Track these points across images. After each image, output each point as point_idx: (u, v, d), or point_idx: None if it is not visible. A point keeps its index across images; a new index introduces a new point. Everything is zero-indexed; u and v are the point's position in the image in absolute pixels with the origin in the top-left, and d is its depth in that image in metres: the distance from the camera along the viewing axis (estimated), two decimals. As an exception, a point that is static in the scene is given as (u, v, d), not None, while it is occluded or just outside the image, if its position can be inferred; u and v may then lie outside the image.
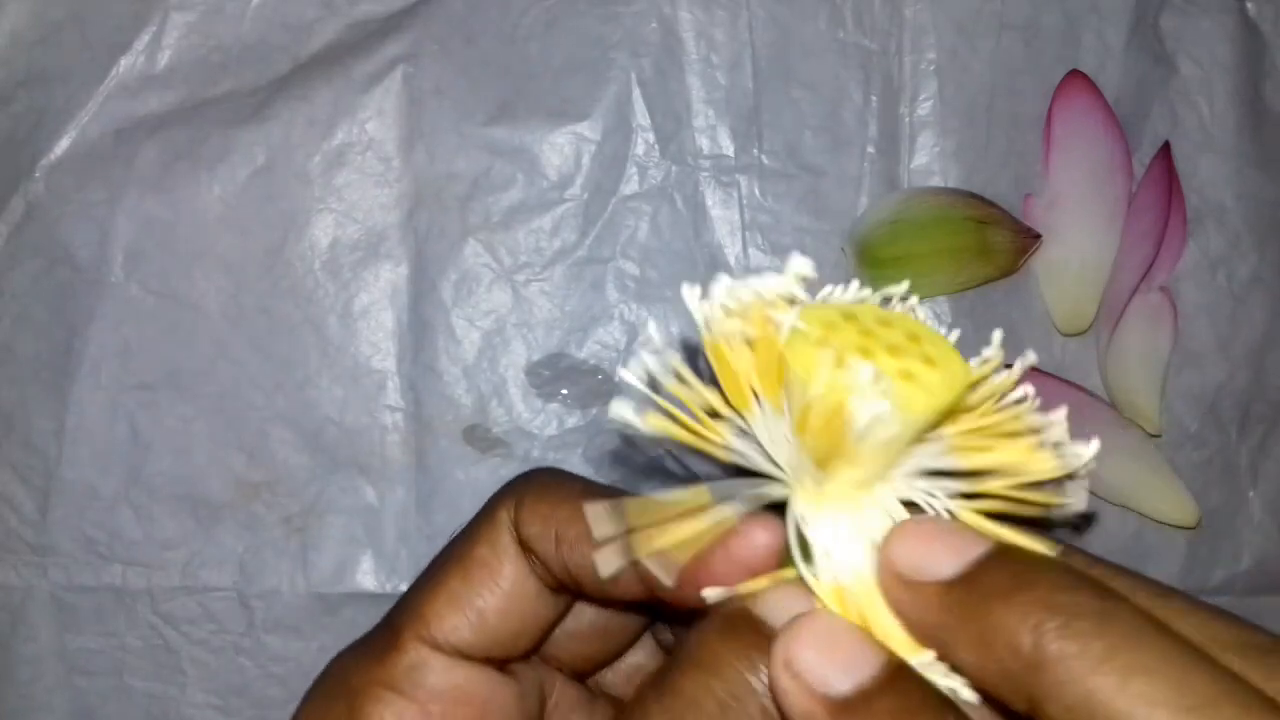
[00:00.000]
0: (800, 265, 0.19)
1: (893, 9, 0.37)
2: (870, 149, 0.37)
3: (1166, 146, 0.37)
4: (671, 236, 0.37)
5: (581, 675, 0.27)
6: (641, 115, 0.37)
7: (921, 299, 0.37)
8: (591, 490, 0.24)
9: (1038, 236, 0.36)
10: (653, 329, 0.19)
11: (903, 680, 0.19)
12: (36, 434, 0.36)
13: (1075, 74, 0.37)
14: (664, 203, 0.37)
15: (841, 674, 0.18)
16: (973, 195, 0.37)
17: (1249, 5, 0.37)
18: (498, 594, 0.24)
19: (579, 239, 0.37)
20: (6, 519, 0.36)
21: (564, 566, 0.23)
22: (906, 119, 0.37)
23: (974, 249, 0.36)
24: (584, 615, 0.26)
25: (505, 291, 0.37)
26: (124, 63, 0.36)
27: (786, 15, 0.37)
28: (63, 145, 0.36)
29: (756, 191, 0.37)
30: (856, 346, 0.18)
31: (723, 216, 0.37)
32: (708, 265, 0.37)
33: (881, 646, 0.19)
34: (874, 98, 0.37)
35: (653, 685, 0.20)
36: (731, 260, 0.37)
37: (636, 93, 0.37)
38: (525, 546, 0.24)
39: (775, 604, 0.19)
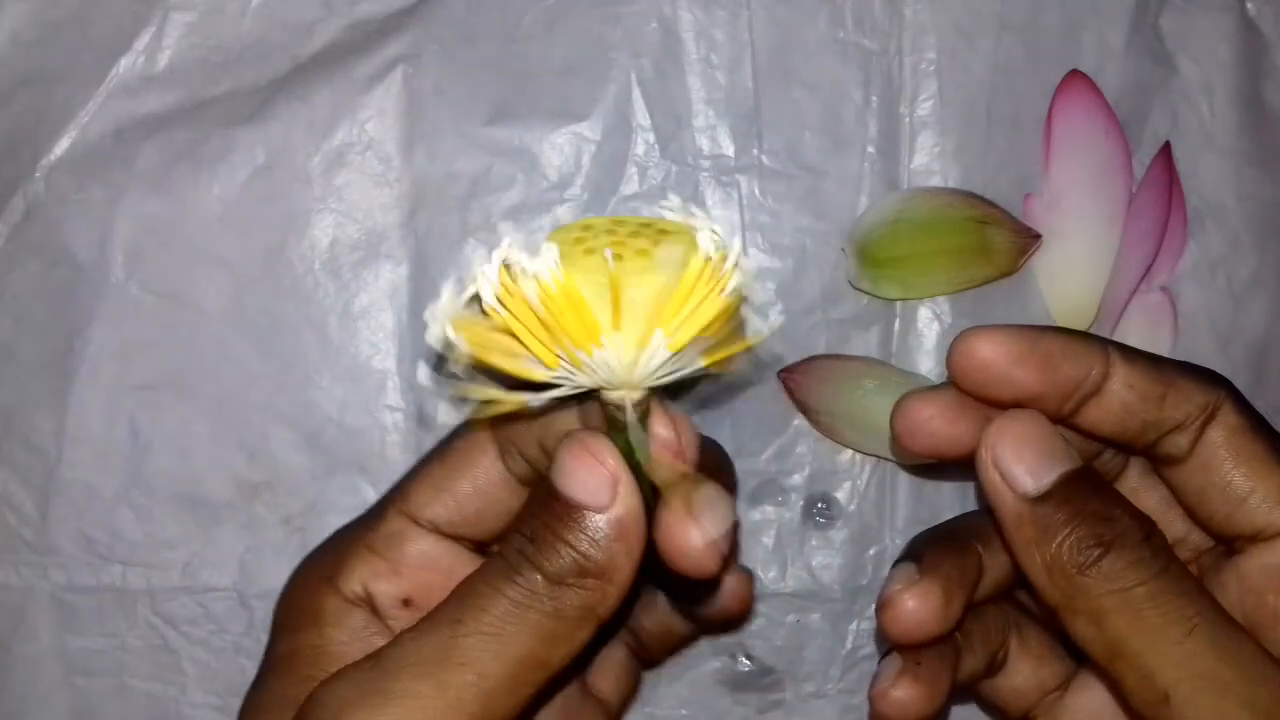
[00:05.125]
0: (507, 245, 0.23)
1: (893, 9, 0.37)
2: (870, 149, 0.37)
3: (1166, 146, 0.37)
4: (671, 236, 0.37)
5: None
6: (641, 115, 0.37)
7: (922, 299, 0.37)
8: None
9: (1038, 236, 0.36)
10: (446, 293, 0.23)
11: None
12: (36, 434, 0.36)
13: (1075, 74, 0.37)
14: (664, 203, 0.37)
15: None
16: (973, 195, 0.37)
17: (1249, 5, 0.37)
18: (471, 480, 0.28)
19: (579, 239, 0.37)
20: (6, 519, 0.36)
21: (535, 456, 0.27)
22: (906, 119, 0.37)
23: (974, 249, 0.36)
24: None
25: (505, 291, 0.37)
26: (124, 63, 0.36)
27: (786, 15, 0.37)
28: (63, 145, 0.36)
29: (756, 191, 0.37)
30: (608, 242, 0.23)
31: (723, 216, 0.37)
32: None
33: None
34: (874, 98, 0.37)
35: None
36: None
37: (636, 93, 0.37)
38: (499, 438, 0.27)
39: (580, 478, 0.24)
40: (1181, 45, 0.37)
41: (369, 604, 0.27)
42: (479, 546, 0.28)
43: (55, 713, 0.36)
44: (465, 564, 0.27)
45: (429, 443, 0.36)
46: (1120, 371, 0.26)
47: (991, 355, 0.26)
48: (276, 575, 0.36)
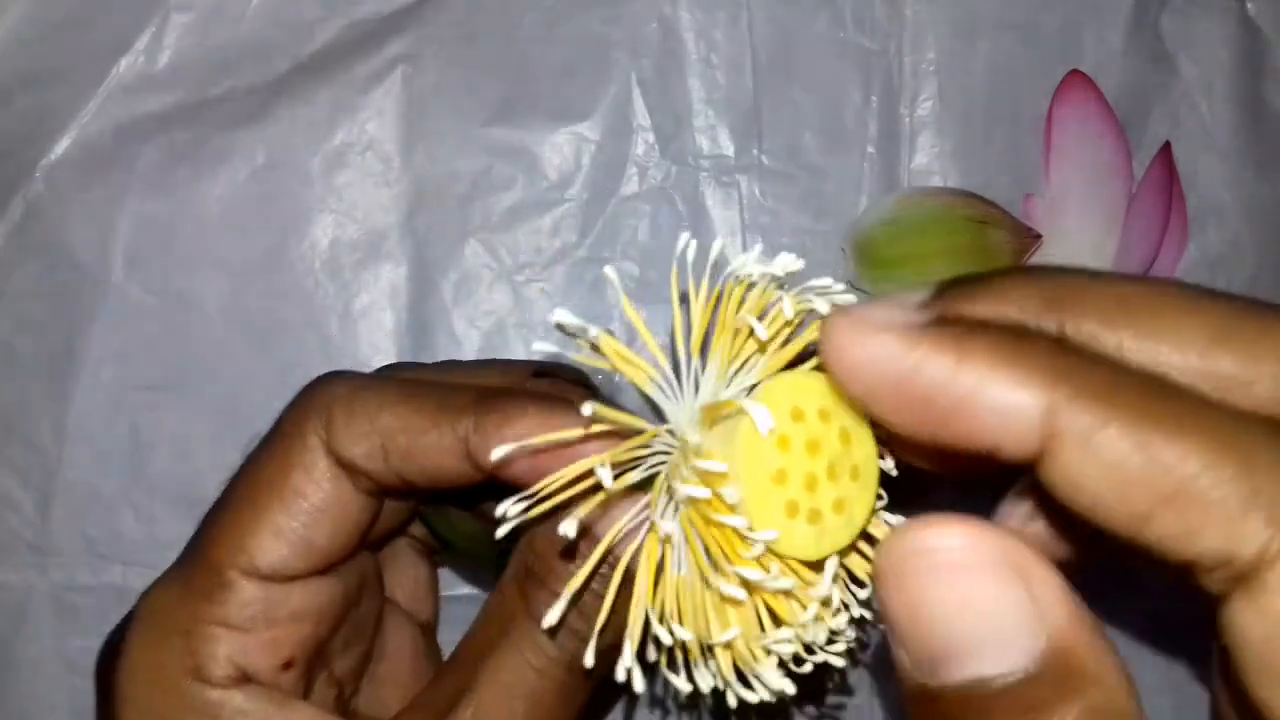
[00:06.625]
0: (788, 262, 0.21)
1: (893, 9, 0.37)
2: (870, 149, 0.37)
3: (1167, 146, 0.37)
4: (671, 237, 0.37)
5: (373, 547, 0.28)
6: (641, 115, 0.37)
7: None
8: (400, 390, 0.24)
9: (1038, 236, 0.36)
10: (608, 271, 0.22)
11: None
12: (36, 434, 0.36)
13: (1075, 74, 0.37)
14: (664, 203, 0.37)
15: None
16: (973, 195, 0.37)
17: (1249, 5, 0.37)
18: (322, 517, 0.24)
19: (579, 239, 0.37)
20: (6, 519, 0.36)
21: (394, 474, 0.24)
22: (906, 119, 0.37)
23: (974, 249, 0.36)
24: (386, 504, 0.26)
25: (505, 291, 0.37)
26: (124, 63, 0.36)
27: (786, 15, 0.37)
28: (63, 145, 0.36)
29: (756, 192, 0.37)
30: (804, 478, 0.20)
31: (723, 217, 0.37)
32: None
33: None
34: (874, 98, 0.37)
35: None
36: (731, 260, 0.37)
37: (636, 93, 0.37)
38: (347, 465, 0.24)
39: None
40: (1181, 45, 0.37)
41: (247, 680, 0.24)
42: (323, 571, 0.25)
43: (55, 713, 0.36)
44: (327, 596, 0.25)
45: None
46: (1070, 444, 0.16)
47: (856, 365, 0.18)
48: (277, 575, 0.36)
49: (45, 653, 0.36)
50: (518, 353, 0.37)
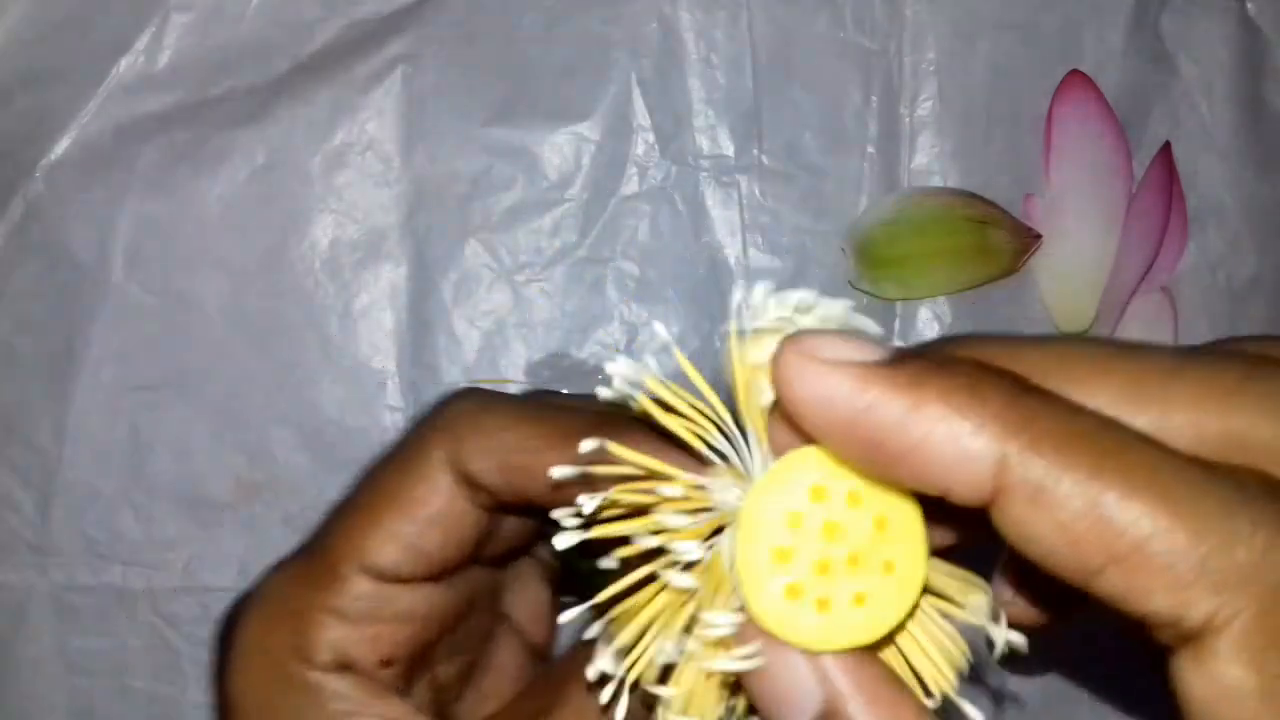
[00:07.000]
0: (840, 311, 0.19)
1: (893, 9, 0.37)
2: (870, 149, 0.37)
3: (1167, 146, 0.37)
4: (671, 237, 0.37)
5: (496, 563, 0.28)
6: (641, 115, 0.37)
7: (922, 299, 0.37)
8: (524, 410, 0.25)
9: (1038, 236, 0.36)
10: (659, 329, 0.20)
11: None
12: (36, 434, 0.36)
13: (1075, 74, 0.37)
14: (664, 203, 0.37)
15: None
16: (973, 195, 0.37)
17: (1249, 5, 0.37)
18: (436, 528, 0.25)
19: (579, 239, 0.37)
20: (6, 519, 0.36)
21: (512, 491, 0.24)
22: (906, 119, 0.37)
23: (974, 249, 0.36)
24: (508, 520, 0.27)
25: (505, 291, 0.37)
26: (124, 63, 0.36)
27: (786, 15, 0.37)
28: (63, 145, 0.36)
29: (756, 191, 0.37)
30: (816, 563, 0.18)
31: (723, 217, 0.37)
32: (708, 266, 0.37)
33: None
34: (874, 98, 0.37)
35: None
36: (731, 261, 0.37)
37: (636, 93, 0.37)
38: (468, 479, 0.25)
39: None
40: (1181, 45, 0.37)
41: (347, 668, 0.25)
42: (433, 578, 0.26)
43: (55, 713, 0.36)
44: (434, 603, 0.26)
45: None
46: (1020, 498, 0.16)
47: (806, 400, 0.17)
48: (277, 575, 0.36)
49: (45, 653, 0.36)
50: (518, 352, 0.37)
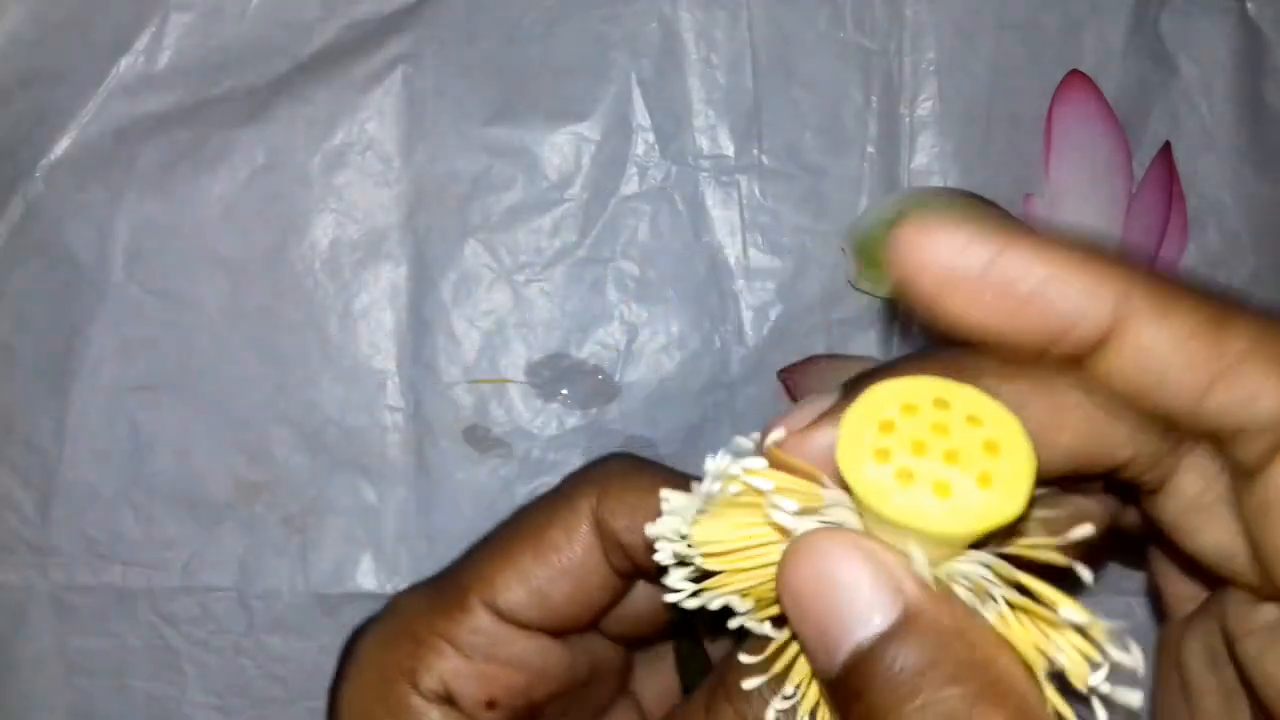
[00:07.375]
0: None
1: (893, 9, 0.37)
2: (870, 149, 0.37)
3: (1167, 146, 0.37)
4: (671, 237, 0.37)
5: (631, 644, 0.29)
6: (641, 115, 0.37)
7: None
8: (674, 479, 0.25)
9: (1038, 236, 0.36)
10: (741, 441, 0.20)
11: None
12: (36, 434, 0.36)
13: (1075, 74, 0.37)
14: (664, 203, 0.37)
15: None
16: (973, 195, 0.37)
17: (1249, 5, 0.37)
18: (567, 577, 0.25)
19: (579, 239, 0.37)
20: (6, 519, 0.36)
21: (648, 555, 0.24)
22: (906, 119, 0.37)
23: (974, 249, 0.36)
24: (641, 593, 0.27)
25: (505, 291, 0.37)
26: (124, 63, 0.36)
27: (786, 15, 0.37)
28: (63, 145, 0.36)
29: (756, 191, 0.37)
30: (912, 445, 0.18)
31: (723, 216, 0.37)
32: (708, 265, 0.37)
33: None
34: (874, 98, 0.37)
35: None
36: (731, 260, 0.37)
37: (636, 93, 0.37)
38: (607, 535, 0.25)
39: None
40: (1181, 45, 0.37)
41: (449, 702, 0.25)
42: (554, 632, 0.26)
43: (55, 713, 0.36)
44: (551, 658, 0.25)
45: (429, 443, 0.36)
46: (1144, 319, 0.18)
47: (933, 263, 0.18)
48: (276, 575, 0.36)
49: (45, 653, 0.36)
50: (518, 352, 0.37)
